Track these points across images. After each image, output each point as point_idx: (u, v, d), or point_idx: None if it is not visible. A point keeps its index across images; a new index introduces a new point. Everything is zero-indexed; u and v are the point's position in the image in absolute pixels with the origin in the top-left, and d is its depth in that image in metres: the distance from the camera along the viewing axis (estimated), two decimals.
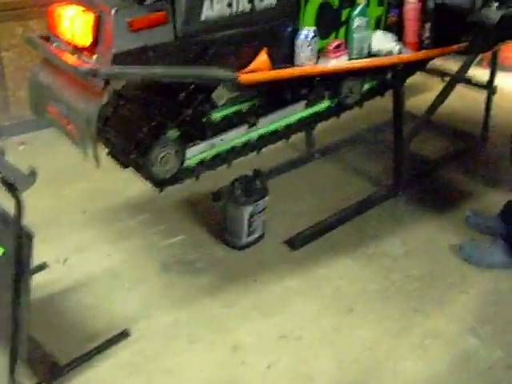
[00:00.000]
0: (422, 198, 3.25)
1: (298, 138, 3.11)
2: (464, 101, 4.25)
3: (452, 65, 3.70)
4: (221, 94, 2.31)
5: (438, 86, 3.76)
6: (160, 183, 2.27)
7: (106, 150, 2.37)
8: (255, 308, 2.43)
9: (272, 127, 2.55)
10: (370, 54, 2.60)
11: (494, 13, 2.73)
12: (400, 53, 2.62)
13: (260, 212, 2.69)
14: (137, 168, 2.27)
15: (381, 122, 3.81)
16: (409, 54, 2.67)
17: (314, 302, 2.48)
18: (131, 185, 2.62)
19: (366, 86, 2.83)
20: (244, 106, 2.48)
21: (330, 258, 2.72)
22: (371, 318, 2.41)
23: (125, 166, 2.35)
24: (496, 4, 2.76)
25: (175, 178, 2.31)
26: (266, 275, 2.59)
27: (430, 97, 3.66)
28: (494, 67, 3.71)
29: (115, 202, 3.11)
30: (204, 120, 2.32)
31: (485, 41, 2.84)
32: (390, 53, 2.58)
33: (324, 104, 2.70)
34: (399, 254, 2.79)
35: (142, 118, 2.23)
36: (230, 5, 2.07)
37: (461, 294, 2.56)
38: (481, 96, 3.86)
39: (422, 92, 4.38)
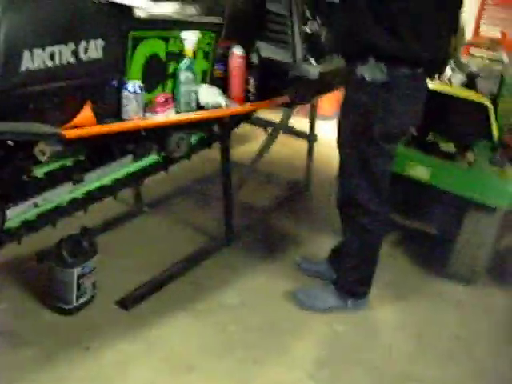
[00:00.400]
0: (254, 246, 3.30)
1: (126, 190, 3.00)
2: (287, 148, 4.42)
3: (273, 115, 3.82)
4: (43, 149, 2.17)
5: (261, 135, 3.88)
6: None
7: None
8: (90, 379, 2.25)
9: (99, 183, 2.44)
10: (198, 107, 2.59)
11: (313, 68, 2.87)
12: (227, 106, 2.65)
13: (89, 273, 2.55)
14: None
15: (208, 172, 3.83)
16: (234, 108, 2.71)
17: (151, 365, 2.36)
18: None
19: (194, 139, 2.82)
20: (69, 161, 2.36)
21: (165, 315, 2.62)
22: (212, 375, 2.35)
23: None
24: (313, 60, 2.90)
25: None
26: (98, 341, 2.43)
27: (254, 146, 3.77)
28: (313, 117, 3.90)
29: None
30: (25, 177, 2.17)
31: (305, 94, 2.98)
32: (216, 106, 2.59)
33: (152, 158, 2.64)
34: (236, 305, 2.78)
35: None
36: (52, 56, 1.95)
37: (298, 341, 2.61)
38: (302, 143, 4.03)
39: (247, 142, 4.50)
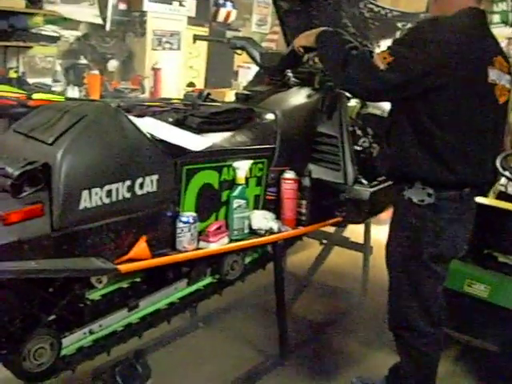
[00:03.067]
0: (308, 364, 3.23)
1: None
2: (342, 259, 4.39)
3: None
4: (100, 278, 2.25)
5: (315, 243, 3.89)
6: (33, 379, 2.11)
7: None
8: None
9: (153, 307, 2.49)
10: (251, 231, 2.64)
11: (365, 190, 2.90)
12: (279, 230, 2.69)
13: None
14: (6, 363, 2.11)
15: (263, 284, 3.84)
16: (287, 232, 2.75)
17: None
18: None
19: (247, 260, 2.86)
20: (124, 284, 2.41)
21: None
22: None
23: None
24: (365, 181, 2.94)
25: (50, 372, 2.15)
26: None
27: (309, 255, 3.77)
28: (367, 229, 3.90)
29: None
30: (82, 305, 2.23)
31: (358, 215, 3.00)
32: (269, 230, 2.64)
33: (206, 281, 2.68)
34: None
35: (13, 309, 2.09)
36: (108, 194, 2.05)
37: None
38: (358, 253, 4.01)
39: (302, 250, 4.50)
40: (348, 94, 3.07)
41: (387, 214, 4.82)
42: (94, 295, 2.29)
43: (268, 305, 3.47)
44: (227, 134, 2.59)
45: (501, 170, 3.59)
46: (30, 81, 5.21)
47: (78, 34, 6.12)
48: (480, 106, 2.33)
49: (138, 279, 2.45)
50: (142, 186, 2.16)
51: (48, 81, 5.59)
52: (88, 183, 1.98)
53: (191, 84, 6.74)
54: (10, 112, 3.22)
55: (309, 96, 3.02)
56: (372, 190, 2.93)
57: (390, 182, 2.81)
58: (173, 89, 6.55)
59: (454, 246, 2.48)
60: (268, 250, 2.95)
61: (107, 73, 6.20)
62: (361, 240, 3.98)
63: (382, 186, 2.98)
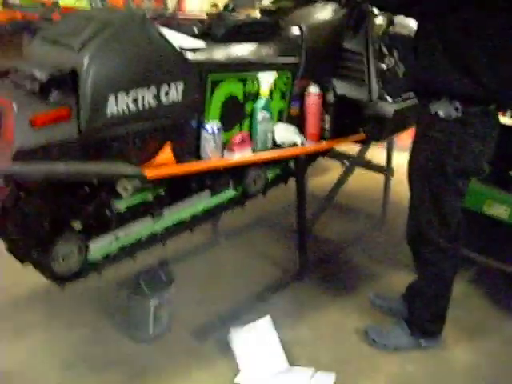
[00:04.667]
0: (326, 281, 3.30)
1: None
2: (364, 181, 4.40)
3: (350, 147, 3.84)
4: (126, 186, 2.29)
5: (338, 166, 3.91)
6: (62, 280, 2.19)
7: (6, 246, 2.28)
8: None
9: (177, 217, 2.54)
10: (274, 145, 2.66)
11: (389, 107, 2.89)
12: (302, 144, 2.70)
13: (166, 303, 2.64)
14: (37, 265, 2.19)
15: (285, 203, 3.88)
16: (310, 146, 2.76)
17: None
18: (32, 275, 2.52)
19: (270, 175, 2.89)
20: (149, 195, 2.46)
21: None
22: None
23: (24, 262, 2.25)
24: (389, 98, 2.92)
25: (78, 274, 2.23)
26: (172, 370, 2.51)
27: (331, 177, 3.79)
28: (390, 151, 3.89)
29: (15, 294, 2.97)
30: (108, 212, 2.28)
31: (381, 132, 2.99)
32: (292, 144, 2.65)
33: (229, 193, 2.71)
34: (307, 341, 2.79)
35: (43, 213, 2.15)
36: (135, 101, 2.07)
37: (368, 380, 2.58)
38: (379, 176, 4.02)
39: (324, 173, 4.53)
40: (375, 11, 3.01)
41: (409, 141, 4.86)
42: (120, 205, 2.34)
43: (290, 224, 3.53)
44: (252, 46, 2.58)
45: None
46: None
47: None
48: (509, 21, 2.28)
49: (162, 191, 2.50)
50: (167, 94, 2.17)
51: None
52: (115, 89, 2.00)
53: (215, 5, 6.64)
54: (35, 26, 3.22)
55: (335, 11, 2.97)
56: (396, 106, 2.92)
57: (414, 100, 2.80)
58: (196, 9, 6.46)
59: (477, 161, 2.48)
60: (290, 165, 2.97)
61: None
62: (382, 164, 3.99)
63: (405, 104, 2.96)
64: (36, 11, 3.08)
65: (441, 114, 2.39)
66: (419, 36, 2.45)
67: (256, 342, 2.59)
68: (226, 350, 2.64)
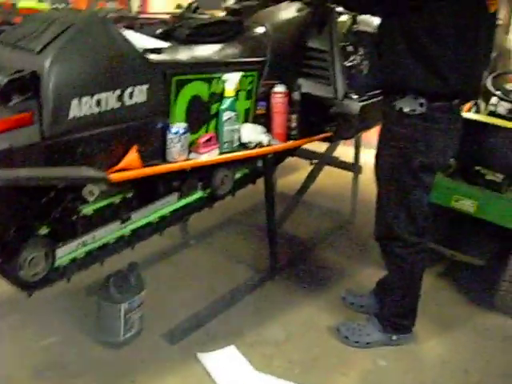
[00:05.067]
0: (298, 279, 3.31)
1: None
2: (332, 179, 4.42)
3: (318, 145, 3.85)
4: (91, 190, 2.26)
5: (306, 164, 3.92)
6: (29, 287, 2.16)
7: None
8: None
9: (145, 220, 2.51)
10: (241, 145, 2.65)
11: (355, 104, 2.90)
12: (269, 144, 2.70)
13: (136, 307, 2.61)
14: (3, 273, 2.14)
15: (253, 203, 3.89)
16: (277, 146, 2.76)
17: None
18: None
19: (238, 175, 2.88)
20: (116, 199, 2.43)
21: (211, 349, 2.66)
22: None
23: None
24: (355, 96, 2.93)
25: (45, 281, 2.19)
26: (145, 374, 2.48)
27: (299, 176, 3.81)
28: (357, 148, 3.92)
29: None
30: (74, 216, 2.25)
31: (348, 129, 3.00)
32: (259, 144, 2.65)
33: (197, 195, 2.70)
34: (280, 340, 2.79)
35: (7, 219, 2.12)
36: (98, 103, 2.04)
37: (342, 376, 2.60)
38: (348, 173, 4.04)
39: (292, 172, 4.53)
40: (339, 9, 3.02)
41: (376, 138, 4.89)
42: (87, 210, 2.30)
43: (259, 224, 3.53)
44: (217, 47, 2.57)
45: (492, 89, 3.61)
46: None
47: None
48: (474, 18, 2.32)
49: (129, 194, 2.47)
50: (131, 95, 2.14)
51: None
52: (77, 92, 1.97)
53: (179, 6, 6.59)
54: None
55: (299, 10, 2.97)
56: (362, 104, 2.93)
57: (379, 97, 2.81)
58: (160, 10, 6.41)
59: (443, 156, 2.52)
60: (258, 165, 2.96)
61: None
62: (351, 161, 4.01)
63: (371, 101, 2.98)
64: None
65: (406, 110, 2.41)
66: (382, 34, 2.46)
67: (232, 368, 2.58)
68: (197, 352, 2.63)
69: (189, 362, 2.58)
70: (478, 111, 3.73)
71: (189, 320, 2.82)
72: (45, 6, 3.13)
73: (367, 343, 2.77)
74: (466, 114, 3.27)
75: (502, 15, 5.37)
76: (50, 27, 2.02)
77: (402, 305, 2.75)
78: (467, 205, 3.05)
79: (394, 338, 2.78)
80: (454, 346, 2.85)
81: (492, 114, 3.65)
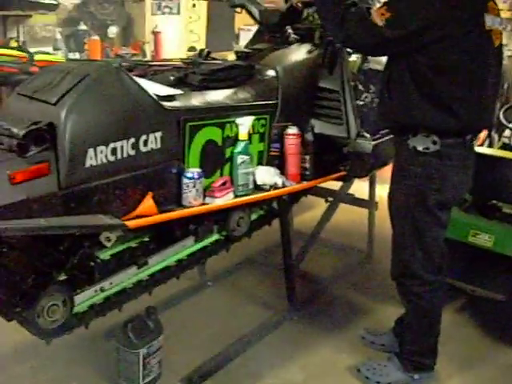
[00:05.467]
0: (317, 319, 3.28)
1: None
2: (348, 216, 4.41)
3: (333, 183, 3.86)
4: (109, 236, 2.28)
5: (321, 202, 3.93)
6: (47, 335, 2.17)
7: None
8: None
9: (162, 265, 2.53)
10: (256, 187, 2.67)
11: (367, 143, 2.92)
12: (284, 185, 2.72)
13: (155, 352, 2.61)
14: (21, 321, 2.16)
15: (270, 242, 3.89)
16: (292, 186, 2.78)
17: None
18: (18, 329, 2.49)
19: (254, 217, 2.89)
20: (133, 243, 2.45)
21: None
22: None
23: (8, 319, 2.23)
24: (368, 135, 2.95)
25: (64, 327, 2.21)
26: None
27: (315, 214, 3.81)
28: (372, 185, 3.92)
29: (0, 349, 2.92)
30: (92, 263, 2.27)
31: (361, 168, 3.02)
32: (274, 186, 2.67)
33: (213, 238, 2.71)
34: (299, 382, 2.77)
35: (25, 268, 2.14)
36: (113, 152, 2.08)
37: None
38: (364, 210, 4.04)
39: (308, 209, 4.53)
40: (349, 49, 3.06)
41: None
42: (104, 255, 2.32)
43: (276, 263, 3.54)
44: (229, 91, 2.61)
45: (505, 122, 3.62)
46: (32, 50, 5.20)
47: (77, 1, 6.09)
48: (480, 53, 2.34)
49: (146, 238, 2.49)
50: (146, 143, 2.18)
51: (49, 49, 5.57)
52: (93, 141, 2.01)
53: (192, 48, 6.73)
54: (12, 79, 3.24)
55: (309, 52, 3.01)
56: (375, 142, 2.95)
57: (392, 135, 2.83)
58: (174, 54, 6.53)
59: (458, 192, 2.53)
60: (273, 206, 2.98)
61: (107, 39, 6.19)
62: (366, 198, 4.01)
63: (384, 139, 2.99)
64: (14, 65, 3.11)
65: (419, 148, 2.41)
66: (390, 73, 2.48)
67: None
68: None
69: None
70: (491, 145, 3.74)
71: (207, 363, 2.81)
72: (60, 57, 3.21)
73: (388, 383, 2.74)
74: (479, 149, 3.27)
75: None
76: (66, 78, 2.07)
77: (422, 343, 2.72)
78: (484, 239, 3.03)
79: (416, 377, 2.75)
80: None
81: (505, 146, 3.66)
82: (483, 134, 4.08)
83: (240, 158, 2.56)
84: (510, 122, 3.64)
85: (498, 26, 2.39)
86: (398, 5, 2.30)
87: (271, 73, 2.84)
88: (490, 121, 2.60)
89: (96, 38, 5.63)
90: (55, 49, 5.70)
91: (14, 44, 5.17)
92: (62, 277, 2.19)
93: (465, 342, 3.12)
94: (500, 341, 3.13)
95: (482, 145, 4.05)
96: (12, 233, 1.93)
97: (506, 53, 6.26)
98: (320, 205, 4.03)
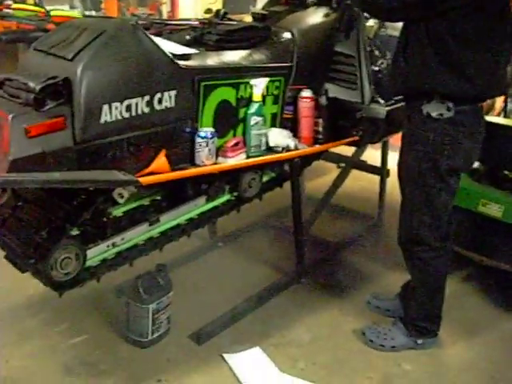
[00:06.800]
0: (324, 282, 3.33)
1: None
2: (360, 182, 4.45)
3: (345, 149, 3.87)
4: (122, 192, 2.32)
5: (334, 168, 3.95)
6: (60, 287, 2.22)
7: (3, 254, 2.31)
8: None
9: (174, 223, 2.57)
10: (268, 149, 2.69)
11: (381, 108, 2.92)
12: (296, 148, 2.73)
13: (164, 308, 2.66)
14: (35, 272, 2.21)
15: (281, 206, 3.91)
16: (303, 150, 2.79)
17: None
18: (31, 282, 2.55)
19: (265, 179, 2.92)
20: (145, 201, 2.49)
21: (236, 350, 2.70)
22: None
23: (22, 270, 2.28)
24: (381, 99, 2.95)
25: (76, 281, 2.26)
26: (171, 374, 2.53)
27: (327, 180, 3.82)
28: (384, 152, 3.92)
29: (14, 301, 2.99)
30: (105, 218, 2.31)
31: (374, 134, 3.02)
32: (286, 148, 2.68)
33: (224, 198, 2.74)
34: (305, 342, 2.82)
35: (40, 221, 2.19)
36: (128, 108, 2.10)
37: (366, 380, 2.60)
38: (375, 177, 4.05)
39: (319, 175, 4.55)
40: (367, 14, 3.04)
41: None
42: (117, 212, 2.37)
43: (286, 226, 3.57)
44: (244, 52, 2.61)
45: None
46: (47, 8, 5.20)
47: None
48: (498, 22, 2.33)
49: (158, 197, 2.53)
50: (160, 101, 2.20)
51: (65, 7, 5.55)
52: (108, 98, 2.04)
53: (209, 10, 6.66)
54: (29, 36, 3.24)
55: (326, 15, 3.00)
56: (388, 108, 2.95)
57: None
58: (190, 15, 6.49)
59: (469, 159, 2.55)
60: (285, 169, 2.99)
61: None
62: (378, 165, 4.02)
63: (398, 105, 2.99)
64: (31, 22, 3.12)
65: (433, 114, 2.42)
66: (408, 38, 2.47)
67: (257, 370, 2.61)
68: (224, 352, 2.68)
69: (215, 363, 2.63)
70: (506, 115, 3.72)
71: (215, 321, 2.85)
72: (77, 13, 3.23)
73: (392, 347, 2.78)
74: (494, 119, 3.27)
75: None
76: (82, 35, 2.09)
77: (426, 308, 2.75)
78: (495, 209, 3.04)
79: (419, 341, 2.78)
80: (480, 351, 2.84)
81: None
82: (499, 104, 4.08)
83: (253, 119, 2.57)
84: None
85: None
86: None
87: (287, 35, 2.83)
88: (505, 88, 2.60)
89: None
90: (71, 7, 5.69)
91: (30, 1, 5.17)
92: (76, 231, 2.23)
93: (470, 310, 3.14)
94: (505, 310, 3.15)
95: (498, 115, 4.03)
96: (27, 185, 1.98)
97: None
98: (332, 171, 4.06)
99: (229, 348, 2.71)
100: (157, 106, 2.20)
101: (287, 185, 3.09)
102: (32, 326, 2.83)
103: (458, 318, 3.02)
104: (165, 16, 6.24)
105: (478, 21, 2.29)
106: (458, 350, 2.84)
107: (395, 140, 4.49)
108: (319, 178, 4.53)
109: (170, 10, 6.31)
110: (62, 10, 3.43)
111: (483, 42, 2.32)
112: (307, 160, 3.07)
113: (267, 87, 2.63)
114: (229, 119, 2.56)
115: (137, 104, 2.12)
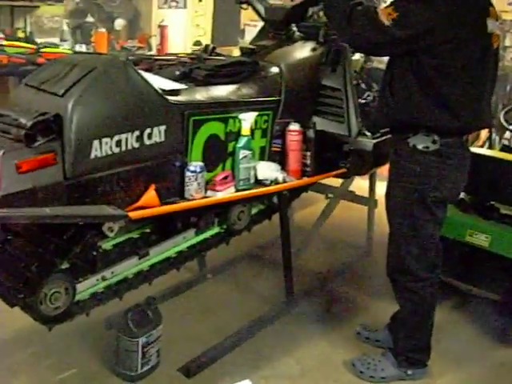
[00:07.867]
0: (313, 313, 3.32)
1: None
2: (348, 212, 4.45)
3: (334, 179, 3.90)
4: (111, 226, 2.33)
5: (322, 198, 3.97)
6: (49, 321, 2.22)
7: None
8: None
9: (163, 256, 2.57)
10: (256, 182, 2.72)
11: (368, 141, 2.96)
12: (284, 181, 2.76)
13: (154, 341, 2.65)
14: (24, 307, 2.21)
15: (270, 237, 3.92)
16: (292, 182, 2.82)
17: None
18: (20, 316, 2.54)
19: (254, 211, 2.94)
20: (135, 234, 2.50)
21: (226, 383, 2.69)
22: None
23: (11, 305, 2.27)
24: (369, 133, 2.99)
25: (65, 315, 2.25)
26: None
27: (315, 210, 3.85)
28: (372, 183, 3.95)
29: (2, 335, 2.97)
30: (95, 252, 2.31)
31: (362, 166, 3.06)
32: (275, 181, 2.71)
33: (213, 231, 2.76)
34: (295, 375, 2.81)
35: (30, 255, 2.19)
36: (118, 144, 2.13)
37: None
38: (364, 207, 4.07)
39: (308, 205, 4.57)
40: (353, 48, 3.09)
41: None
42: (107, 245, 2.38)
43: (275, 258, 3.57)
44: (233, 87, 2.65)
45: (505, 124, 3.65)
46: (38, 41, 5.24)
47: None
48: (482, 56, 2.39)
49: (147, 230, 2.54)
50: (150, 136, 2.23)
51: (56, 40, 5.61)
52: (98, 133, 2.06)
53: (198, 43, 6.76)
54: (20, 70, 3.28)
55: (313, 49, 3.05)
56: (375, 141, 2.99)
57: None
58: (179, 48, 6.57)
59: (455, 189, 2.59)
60: (274, 201, 3.02)
61: (114, 32, 6.22)
62: (366, 195, 4.05)
63: (384, 138, 3.03)
64: (21, 56, 3.16)
65: (419, 147, 2.46)
66: (393, 73, 2.52)
67: None
68: None
69: None
70: (491, 146, 3.78)
71: (205, 354, 2.84)
72: (67, 48, 3.26)
73: (382, 378, 2.78)
74: (480, 150, 3.32)
75: None
76: (73, 71, 2.12)
77: (415, 339, 2.76)
78: (482, 239, 3.08)
79: (409, 372, 2.79)
80: (469, 381, 2.84)
81: (506, 148, 3.69)
82: (484, 135, 4.14)
83: (242, 153, 2.60)
84: (510, 124, 3.67)
85: (497, 30, 2.44)
86: (405, 5, 2.33)
87: (275, 70, 2.88)
88: (489, 121, 2.66)
89: (103, 30, 5.67)
90: (62, 40, 5.73)
91: (20, 34, 5.21)
92: (65, 265, 2.23)
93: (459, 340, 3.15)
94: (493, 339, 3.17)
95: (482, 146, 4.09)
96: (17, 220, 1.99)
97: (510, 55, 6.28)
98: (320, 201, 4.08)
99: (219, 380, 2.70)
100: (146, 141, 2.22)
101: (276, 216, 3.12)
102: (21, 360, 2.80)
103: (447, 348, 3.03)
104: (154, 49, 6.31)
105: (463, 56, 2.34)
106: (448, 379, 2.85)
107: (383, 170, 4.56)
108: (307, 209, 4.55)
109: (159, 42, 6.38)
110: (52, 47, 3.47)
111: (467, 76, 2.38)
112: (295, 192, 3.10)
113: (255, 121, 2.67)
114: (218, 153, 2.59)
115: (127, 139, 2.15)
